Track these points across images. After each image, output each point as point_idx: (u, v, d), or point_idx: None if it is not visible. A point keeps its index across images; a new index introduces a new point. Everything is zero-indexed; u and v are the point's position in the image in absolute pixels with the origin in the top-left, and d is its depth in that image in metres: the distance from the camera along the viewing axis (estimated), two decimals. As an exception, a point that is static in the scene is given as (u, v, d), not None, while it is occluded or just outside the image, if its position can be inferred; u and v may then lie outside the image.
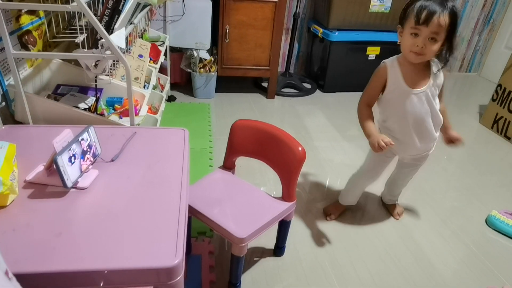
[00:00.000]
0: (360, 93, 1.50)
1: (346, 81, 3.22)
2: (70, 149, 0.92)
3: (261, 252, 1.56)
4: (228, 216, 1.24)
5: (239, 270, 1.31)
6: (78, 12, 1.24)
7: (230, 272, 1.33)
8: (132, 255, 0.78)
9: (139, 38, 2.15)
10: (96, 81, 1.54)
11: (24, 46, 1.47)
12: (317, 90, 3.30)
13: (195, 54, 2.77)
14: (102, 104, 1.63)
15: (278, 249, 1.54)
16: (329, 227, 1.74)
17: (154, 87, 2.18)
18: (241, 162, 1.52)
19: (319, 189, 2.01)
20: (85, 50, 1.34)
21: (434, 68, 1.39)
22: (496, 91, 2.82)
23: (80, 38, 1.34)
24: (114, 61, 1.49)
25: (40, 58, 1.60)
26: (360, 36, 3.05)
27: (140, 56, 2.01)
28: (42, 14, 1.60)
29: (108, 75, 1.50)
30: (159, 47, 2.39)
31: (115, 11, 1.35)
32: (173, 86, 2.96)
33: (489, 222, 1.84)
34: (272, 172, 1.42)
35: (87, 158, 1.00)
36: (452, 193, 2.08)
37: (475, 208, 1.96)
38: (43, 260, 0.75)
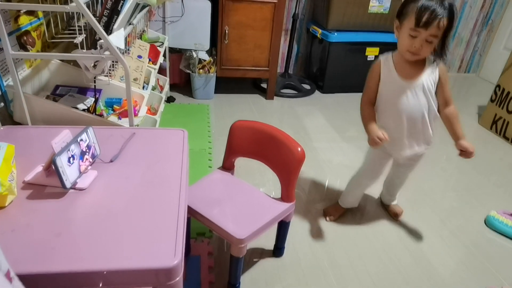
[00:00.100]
0: (359, 94, 1.51)
1: (345, 82, 3.22)
2: (69, 150, 0.92)
3: (261, 253, 1.56)
4: (227, 216, 1.24)
5: (238, 270, 1.31)
6: (77, 13, 1.24)
7: (229, 273, 1.33)
8: (131, 255, 0.78)
9: (138, 39, 2.15)
10: (95, 82, 1.54)
11: (23, 47, 1.47)
12: (316, 91, 3.30)
13: (194, 55, 2.77)
14: (101, 105, 1.63)
15: (278, 250, 1.54)
16: (328, 227, 1.74)
17: (153, 88, 2.18)
18: (241, 162, 1.52)
19: (318, 190, 2.01)
20: (84, 50, 1.34)
21: (428, 63, 1.39)
22: (495, 92, 2.82)
23: (79, 38, 1.34)
24: (113, 61, 1.49)
25: (39, 59, 1.60)
26: (359, 37, 3.05)
27: (139, 56, 2.01)
28: (41, 14, 1.60)
29: (107, 75, 1.50)
30: (158, 48, 2.39)
31: (114, 12, 1.35)
32: (172, 87, 2.96)
33: (488, 223, 1.84)
34: (272, 173, 1.42)
35: (86, 159, 0.99)
36: (451, 193, 2.08)
37: (474, 209, 1.96)
38: (42, 260, 0.75)
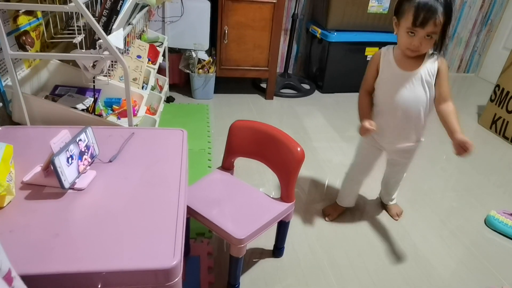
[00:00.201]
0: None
1: (344, 82, 3.22)
2: (67, 150, 0.91)
3: (260, 253, 1.55)
4: (226, 217, 1.24)
5: (238, 271, 1.30)
6: (76, 13, 1.23)
7: (229, 273, 1.33)
8: (130, 256, 0.77)
9: (138, 39, 2.15)
10: (94, 82, 1.54)
11: (22, 47, 1.47)
12: (316, 91, 3.30)
13: (194, 55, 2.77)
14: (100, 105, 1.62)
15: (277, 250, 1.54)
16: (328, 227, 1.73)
17: (153, 88, 2.18)
18: (240, 162, 1.52)
19: (318, 190, 2.01)
20: (83, 50, 1.33)
21: (428, 55, 1.39)
22: (494, 92, 2.82)
23: (78, 38, 1.34)
24: (112, 61, 1.48)
25: (38, 59, 1.60)
26: (358, 37, 3.05)
27: (139, 56, 2.00)
28: (39, 14, 1.59)
29: (106, 75, 1.50)
30: (157, 48, 2.39)
31: (113, 12, 1.34)
32: (172, 87, 2.96)
33: (488, 223, 1.84)
34: (271, 173, 1.42)
35: (85, 159, 0.99)
36: (451, 193, 2.08)
37: (473, 208, 1.96)
38: (40, 261, 0.74)
